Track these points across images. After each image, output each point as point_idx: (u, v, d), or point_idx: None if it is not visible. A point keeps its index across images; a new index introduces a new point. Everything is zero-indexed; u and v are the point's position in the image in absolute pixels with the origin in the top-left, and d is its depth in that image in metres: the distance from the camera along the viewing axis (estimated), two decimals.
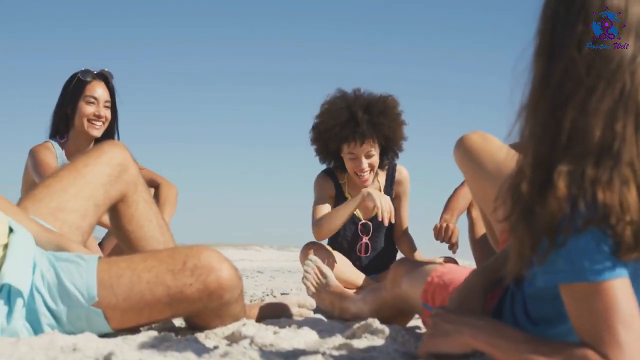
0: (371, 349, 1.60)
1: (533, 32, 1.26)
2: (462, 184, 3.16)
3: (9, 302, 1.61)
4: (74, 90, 3.13)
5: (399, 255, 3.51)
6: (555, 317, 1.28)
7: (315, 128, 3.29)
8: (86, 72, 3.16)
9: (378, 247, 3.42)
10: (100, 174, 2.00)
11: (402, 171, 3.42)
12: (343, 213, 3.13)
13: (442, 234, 3.05)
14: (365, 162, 3.19)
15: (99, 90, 3.16)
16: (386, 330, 1.78)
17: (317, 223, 3.17)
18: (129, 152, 2.10)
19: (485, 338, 1.24)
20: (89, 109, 3.13)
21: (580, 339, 1.14)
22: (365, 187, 3.22)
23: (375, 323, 1.81)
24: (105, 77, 3.20)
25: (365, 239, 3.37)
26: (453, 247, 3.08)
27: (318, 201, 3.28)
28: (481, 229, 3.05)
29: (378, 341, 1.73)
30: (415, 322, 2.27)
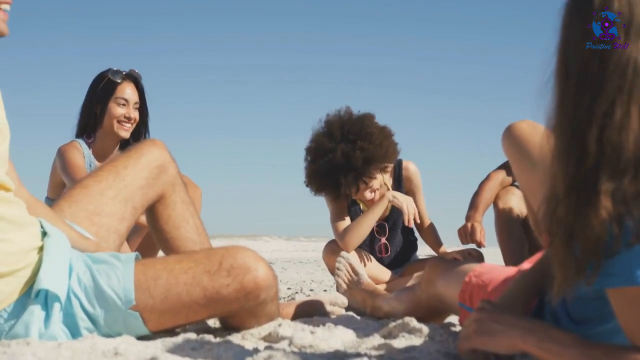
0: (411, 349, 1.58)
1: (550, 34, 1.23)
2: (487, 177, 3.12)
3: (47, 307, 1.60)
4: (103, 90, 3.10)
5: (420, 242, 3.47)
6: (597, 317, 1.26)
7: (307, 186, 3.20)
8: (116, 72, 3.13)
9: (397, 245, 3.35)
10: (139, 177, 1.99)
11: (409, 167, 3.32)
12: (368, 222, 3.08)
13: (466, 235, 3.01)
14: (367, 193, 3.11)
15: (129, 92, 3.13)
16: (424, 329, 1.77)
17: (343, 237, 3.09)
18: (168, 152, 2.08)
19: (536, 342, 1.22)
20: (120, 111, 3.10)
21: (631, 343, 1.12)
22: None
23: (413, 322, 1.80)
24: (134, 78, 3.17)
25: (383, 240, 3.30)
26: (479, 244, 3.03)
27: (335, 215, 3.18)
28: (507, 221, 3.02)
29: (416, 340, 1.71)
30: (449, 319, 2.25)
